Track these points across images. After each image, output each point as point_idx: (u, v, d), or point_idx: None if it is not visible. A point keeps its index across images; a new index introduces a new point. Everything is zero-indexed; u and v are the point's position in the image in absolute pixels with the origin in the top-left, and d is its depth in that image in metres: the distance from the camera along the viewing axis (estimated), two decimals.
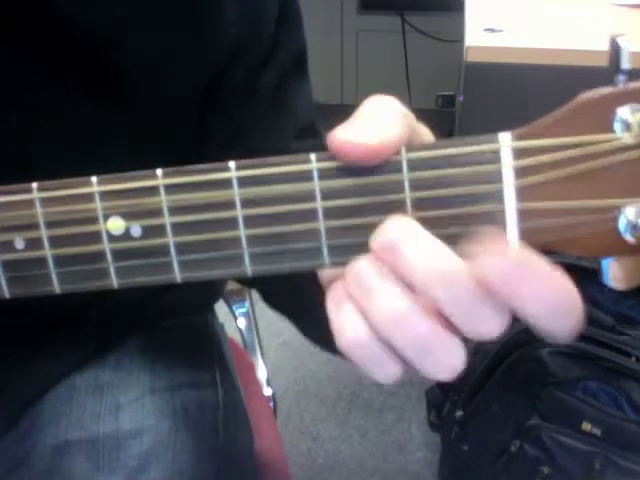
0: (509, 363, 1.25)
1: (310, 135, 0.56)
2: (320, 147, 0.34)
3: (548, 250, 0.32)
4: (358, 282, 0.32)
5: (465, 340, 0.34)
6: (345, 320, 0.33)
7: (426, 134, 0.35)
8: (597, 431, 1.15)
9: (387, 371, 0.33)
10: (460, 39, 1.47)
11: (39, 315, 0.57)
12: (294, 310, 0.57)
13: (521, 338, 1.23)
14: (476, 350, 1.30)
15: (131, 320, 0.68)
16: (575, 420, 1.17)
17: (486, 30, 1.28)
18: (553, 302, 0.31)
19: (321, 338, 0.56)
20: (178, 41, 0.52)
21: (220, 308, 0.87)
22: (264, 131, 0.55)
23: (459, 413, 1.32)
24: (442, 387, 1.45)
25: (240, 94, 0.55)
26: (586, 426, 1.16)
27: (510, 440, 1.22)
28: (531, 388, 1.21)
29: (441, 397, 1.44)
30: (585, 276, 1.26)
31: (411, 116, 0.34)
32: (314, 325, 0.55)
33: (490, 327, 0.33)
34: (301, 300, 0.50)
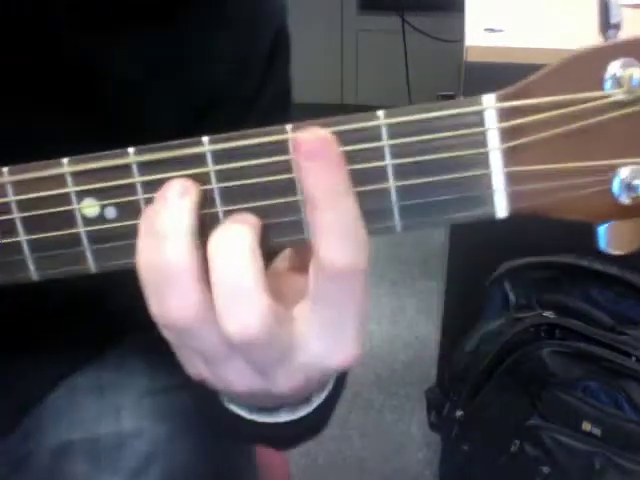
0: (509, 363, 1.24)
1: None
2: None
3: (540, 214, 0.31)
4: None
5: None
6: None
7: None
8: (597, 431, 1.15)
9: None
10: (460, 39, 1.47)
11: (40, 316, 0.57)
12: None
13: (521, 338, 1.23)
14: (476, 350, 1.30)
15: (131, 320, 0.68)
16: (575, 420, 1.17)
17: (486, 30, 1.28)
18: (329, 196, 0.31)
19: None
20: (169, 77, 0.52)
21: None
22: None
23: (459, 413, 1.31)
24: (442, 387, 1.45)
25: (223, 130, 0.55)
26: (586, 426, 1.16)
27: (510, 440, 1.22)
28: (531, 388, 1.21)
29: (441, 397, 1.44)
30: (585, 276, 1.27)
31: None
32: None
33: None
34: None
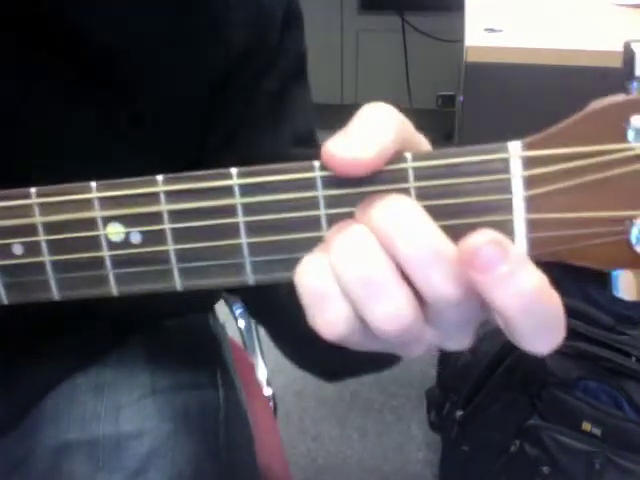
0: (509, 363, 1.25)
1: (308, 144, 0.56)
2: (317, 158, 0.33)
3: (557, 261, 0.31)
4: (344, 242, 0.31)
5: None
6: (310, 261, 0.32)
7: (424, 143, 0.34)
8: (597, 431, 1.16)
9: (330, 315, 0.32)
10: (460, 39, 1.47)
11: (41, 315, 0.57)
12: (274, 328, 0.59)
13: None
14: (476, 350, 1.30)
15: (132, 320, 0.68)
16: (575, 420, 1.17)
17: (486, 30, 1.28)
18: (534, 311, 0.29)
19: (297, 354, 0.58)
20: (184, 45, 0.52)
21: (220, 308, 0.87)
22: (261, 135, 0.55)
23: (459, 413, 1.32)
24: (442, 387, 1.45)
25: (241, 97, 0.55)
26: (586, 426, 1.16)
27: (510, 440, 1.22)
28: (531, 388, 1.21)
29: (441, 397, 1.44)
30: (585, 276, 1.27)
31: (408, 124, 0.33)
32: (294, 343, 0.56)
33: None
34: (280, 317, 0.51)
